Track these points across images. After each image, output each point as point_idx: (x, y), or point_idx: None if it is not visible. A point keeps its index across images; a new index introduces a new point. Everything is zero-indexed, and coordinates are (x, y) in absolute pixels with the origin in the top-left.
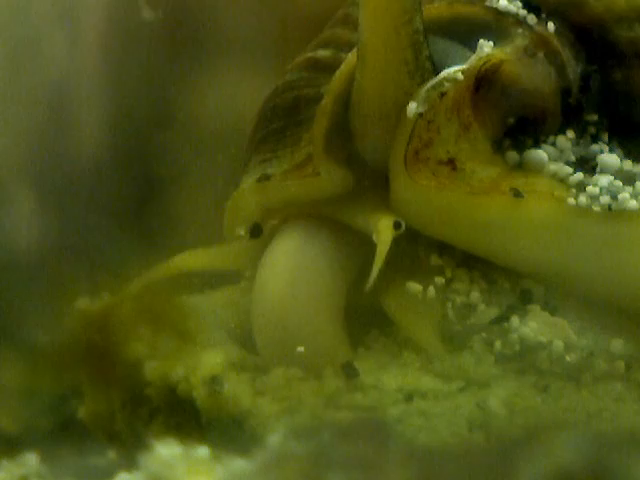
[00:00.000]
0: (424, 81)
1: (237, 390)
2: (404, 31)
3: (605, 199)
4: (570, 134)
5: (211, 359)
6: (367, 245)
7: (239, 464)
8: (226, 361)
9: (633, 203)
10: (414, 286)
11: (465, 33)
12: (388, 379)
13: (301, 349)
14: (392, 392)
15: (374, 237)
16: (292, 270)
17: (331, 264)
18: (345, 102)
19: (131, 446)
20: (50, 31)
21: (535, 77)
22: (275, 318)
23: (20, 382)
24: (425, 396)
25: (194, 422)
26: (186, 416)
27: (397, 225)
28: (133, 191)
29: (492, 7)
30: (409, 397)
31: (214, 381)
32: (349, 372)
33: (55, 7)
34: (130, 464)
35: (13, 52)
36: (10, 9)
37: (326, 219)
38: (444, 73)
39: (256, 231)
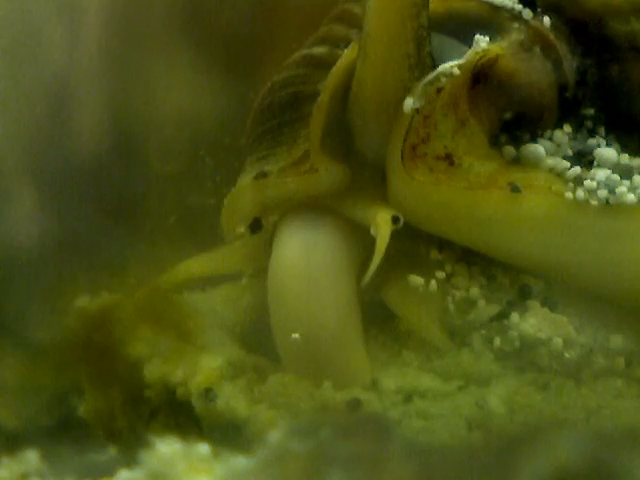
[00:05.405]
0: (422, 76)
1: (232, 399)
2: (410, 24)
3: (603, 193)
4: (567, 128)
5: (210, 363)
6: (367, 239)
7: (239, 462)
8: (224, 365)
9: (631, 197)
10: (416, 279)
11: (460, 28)
12: (387, 379)
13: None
14: (391, 393)
15: (372, 231)
16: (308, 266)
17: (343, 257)
18: (342, 98)
19: (131, 443)
20: (50, 27)
21: (531, 72)
22: (298, 321)
23: (21, 380)
24: (424, 396)
25: (194, 425)
26: (186, 419)
27: (395, 219)
28: (132, 189)
29: (487, 2)
30: (408, 397)
31: (207, 395)
32: (353, 406)
33: (55, 3)
34: (130, 461)
35: (13, 49)
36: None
37: (329, 213)
38: (440, 68)
39: (256, 226)
